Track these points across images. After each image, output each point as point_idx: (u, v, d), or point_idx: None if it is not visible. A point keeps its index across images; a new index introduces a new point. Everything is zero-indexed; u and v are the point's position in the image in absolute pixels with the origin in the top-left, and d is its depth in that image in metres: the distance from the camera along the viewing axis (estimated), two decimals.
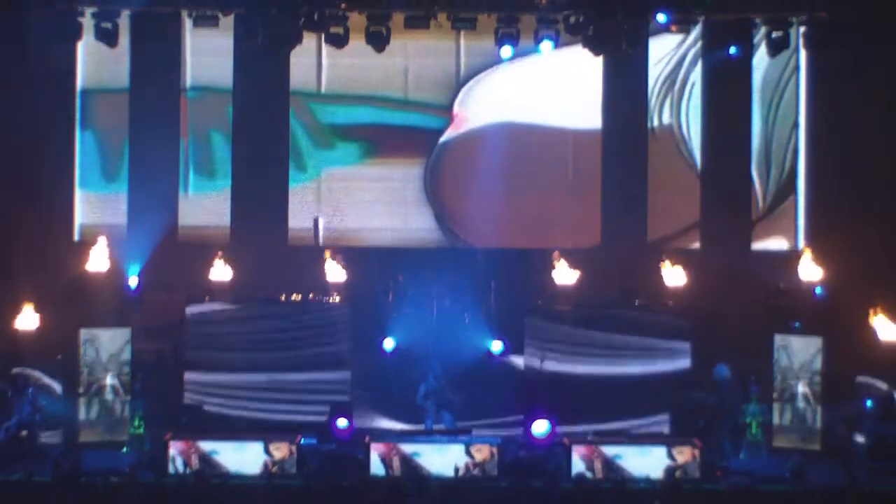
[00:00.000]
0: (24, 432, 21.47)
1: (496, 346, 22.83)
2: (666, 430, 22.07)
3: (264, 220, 25.20)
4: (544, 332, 22.63)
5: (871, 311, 21.62)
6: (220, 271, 23.15)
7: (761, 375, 21.91)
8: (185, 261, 24.03)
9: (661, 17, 23.68)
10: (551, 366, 22.49)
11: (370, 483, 19.18)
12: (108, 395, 21.78)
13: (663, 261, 23.19)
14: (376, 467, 20.32)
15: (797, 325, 22.35)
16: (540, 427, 21.46)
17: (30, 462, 20.18)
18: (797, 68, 25.34)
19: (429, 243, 25.59)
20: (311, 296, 23.18)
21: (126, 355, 21.87)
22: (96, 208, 25.30)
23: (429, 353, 22.53)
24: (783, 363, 22.00)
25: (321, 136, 25.75)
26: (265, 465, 20.44)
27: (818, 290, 22.27)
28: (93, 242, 22.74)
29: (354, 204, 25.70)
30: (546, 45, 23.85)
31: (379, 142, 25.73)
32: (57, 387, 22.40)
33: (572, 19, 23.73)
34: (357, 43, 24.09)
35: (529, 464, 20.76)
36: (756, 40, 24.82)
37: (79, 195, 25.27)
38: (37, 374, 22.39)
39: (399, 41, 24.58)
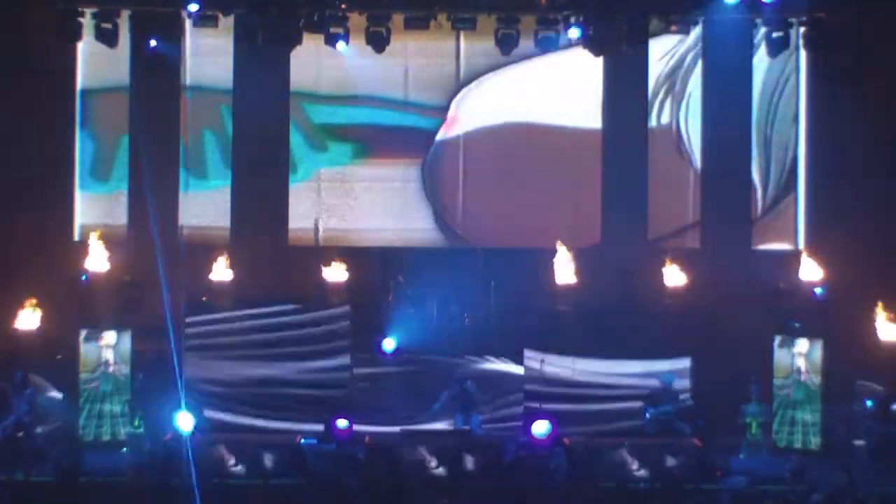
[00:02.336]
0: (21, 433, 21.46)
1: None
2: None
3: (264, 221, 25.18)
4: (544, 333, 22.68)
5: (875, 312, 21.64)
6: (221, 272, 23.12)
7: (761, 375, 21.91)
8: (185, 260, 24.02)
9: (573, 33, 23.76)
10: (551, 369, 22.48)
11: (370, 483, 19.17)
12: None
13: (664, 261, 23.19)
14: (376, 467, 20.33)
15: (797, 325, 22.35)
16: (540, 427, 21.45)
17: (30, 462, 20.18)
18: (797, 68, 25.34)
19: (429, 243, 25.58)
20: (310, 296, 23.18)
21: None
22: (96, 208, 25.29)
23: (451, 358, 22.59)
24: None
25: (314, 136, 25.72)
26: (265, 465, 20.46)
27: (818, 291, 22.21)
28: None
29: (353, 204, 25.69)
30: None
31: (372, 142, 25.66)
32: (56, 386, 22.42)
33: (572, 20, 23.74)
34: (357, 43, 24.11)
35: (529, 464, 20.75)
36: (756, 40, 24.84)
37: (79, 195, 25.25)
38: (36, 373, 22.37)
39: (399, 42, 24.57)
